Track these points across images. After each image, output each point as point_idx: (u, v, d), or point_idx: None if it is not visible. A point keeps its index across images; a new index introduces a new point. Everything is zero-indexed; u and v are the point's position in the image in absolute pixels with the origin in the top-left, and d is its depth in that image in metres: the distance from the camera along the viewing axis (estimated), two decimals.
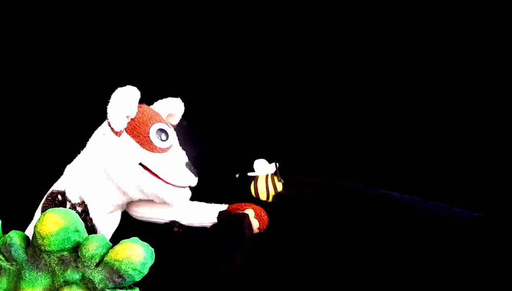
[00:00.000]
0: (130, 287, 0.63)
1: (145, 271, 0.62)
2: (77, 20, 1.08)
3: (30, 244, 0.63)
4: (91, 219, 0.77)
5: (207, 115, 1.05)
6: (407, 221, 0.78)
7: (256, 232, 0.81)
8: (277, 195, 0.83)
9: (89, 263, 0.61)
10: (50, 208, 0.73)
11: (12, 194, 0.94)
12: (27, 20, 1.07)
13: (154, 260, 0.62)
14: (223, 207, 0.84)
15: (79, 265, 0.62)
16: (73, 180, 0.79)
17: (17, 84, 1.07)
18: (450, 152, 1.00)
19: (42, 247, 0.61)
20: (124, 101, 0.74)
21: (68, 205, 0.77)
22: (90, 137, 0.80)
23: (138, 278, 0.61)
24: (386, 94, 1.05)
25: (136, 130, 0.77)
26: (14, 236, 0.63)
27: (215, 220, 0.82)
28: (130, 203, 0.83)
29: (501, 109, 0.99)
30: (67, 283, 0.61)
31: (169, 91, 0.87)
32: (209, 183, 0.85)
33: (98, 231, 0.78)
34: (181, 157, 0.80)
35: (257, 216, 0.81)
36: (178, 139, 0.83)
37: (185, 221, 0.84)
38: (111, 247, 0.62)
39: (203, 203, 0.85)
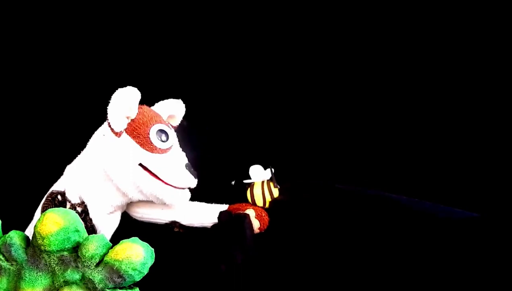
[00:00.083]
0: (130, 287, 0.63)
1: (145, 271, 0.62)
2: (77, 21, 1.08)
3: (30, 244, 0.63)
4: (91, 219, 0.77)
5: (205, 117, 1.05)
6: (406, 222, 0.78)
7: (256, 232, 0.81)
8: (274, 200, 0.83)
9: (89, 263, 0.61)
10: (50, 208, 0.73)
11: (12, 194, 0.94)
12: (27, 21, 1.07)
13: (154, 260, 0.62)
14: (224, 207, 0.84)
15: (79, 265, 0.62)
16: (73, 180, 0.78)
17: (17, 84, 1.07)
18: (449, 152, 1.00)
19: (42, 247, 0.61)
20: (124, 102, 0.74)
21: (68, 205, 0.77)
22: (90, 138, 0.80)
23: (138, 278, 0.61)
24: (383, 97, 1.05)
25: (136, 131, 0.77)
26: (14, 236, 0.63)
27: (216, 220, 0.82)
28: (130, 204, 0.83)
29: (500, 109, 0.99)
30: (67, 283, 0.61)
31: (169, 92, 0.87)
32: (209, 183, 0.85)
33: (98, 231, 0.78)
34: (181, 158, 0.80)
35: (257, 216, 0.81)
36: (178, 141, 0.83)
37: (185, 221, 0.84)
38: (111, 247, 0.62)
39: (203, 203, 0.85)
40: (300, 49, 1.08)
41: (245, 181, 0.85)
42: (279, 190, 0.83)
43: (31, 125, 1.05)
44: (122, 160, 0.75)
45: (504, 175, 0.95)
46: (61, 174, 0.81)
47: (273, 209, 0.83)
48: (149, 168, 0.76)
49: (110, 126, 0.75)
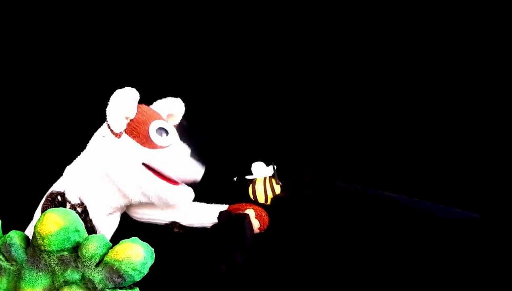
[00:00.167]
0: (130, 287, 0.63)
1: (145, 271, 0.62)
2: (77, 22, 1.08)
3: (30, 244, 0.63)
4: (90, 220, 0.77)
5: (206, 114, 1.05)
6: (406, 221, 0.78)
7: (256, 232, 0.81)
8: (276, 197, 0.83)
9: (89, 263, 0.61)
10: (50, 208, 0.73)
11: (12, 194, 0.94)
12: (27, 21, 1.07)
13: (154, 260, 0.62)
14: (224, 207, 0.84)
15: (79, 265, 0.62)
16: (73, 181, 0.78)
17: (17, 86, 1.07)
18: (449, 152, 1.00)
19: (42, 247, 0.61)
20: (123, 103, 0.74)
21: (68, 205, 0.77)
22: (90, 139, 0.80)
23: (138, 278, 0.61)
24: (384, 95, 1.05)
25: (136, 130, 0.76)
26: (14, 236, 0.63)
27: (216, 220, 0.82)
28: (130, 204, 0.83)
29: (500, 109, 0.99)
30: (67, 283, 0.61)
31: (169, 92, 0.87)
32: (211, 182, 0.85)
33: (97, 232, 0.78)
34: (183, 150, 0.79)
35: (257, 216, 0.81)
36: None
37: (185, 221, 0.83)
38: (111, 247, 0.62)
39: (203, 204, 0.85)
40: (301, 48, 1.08)
41: (247, 177, 0.85)
42: (281, 186, 0.83)
43: (31, 126, 1.05)
44: (123, 160, 0.75)
45: (504, 176, 0.95)
46: (61, 174, 0.80)
47: (274, 208, 0.83)
48: (153, 166, 0.76)
49: (109, 127, 0.75)
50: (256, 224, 0.81)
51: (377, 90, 1.05)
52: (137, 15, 1.08)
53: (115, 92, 0.74)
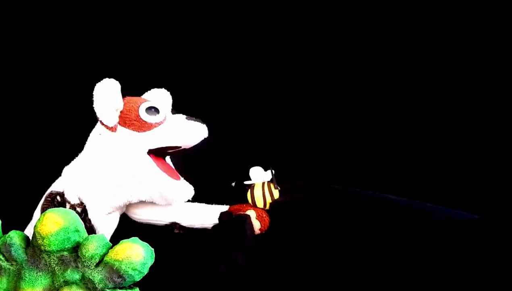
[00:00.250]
0: (130, 287, 0.63)
1: (145, 271, 0.61)
2: (76, 23, 1.08)
3: (30, 244, 0.63)
4: (90, 220, 0.77)
5: (205, 120, 1.06)
6: (405, 223, 0.78)
7: (257, 233, 0.81)
8: (274, 202, 0.83)
9: (89, 263, 0.61)
10: (50, 208, 0.73)
11: (12, 194, 0.94)
12: (26, 22, 1.07)
13: (154, 260, 0.62)
14: (224, 208, 0.84)
15: (79, 265, 0.62)
16: (72, 181, 0.78)
17: (16, 86, 1.07)
18: (448, 154, 1.00)
19: (42, 247, 0.61)
20: (106, 94, 0.74)
21: (68, 205, 0.77)
22: (88, 137, 0.80)
23: (138, 278, 0.61)
24: (382, 98, 1.05)
25: (128, 118, 0.77)
26: (14, 236, 0.63)
27: (216, 221, 0.82)
28: (129, 205, 0.83)
29: (500, 110, 0.99)
30: (67, 283, 0.61)
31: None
32: (210, 184, 0.85)
33: (97, 232, 0.78)
34: (179, 118, 0.80)
35: (258, 217, 0.81)
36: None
37: (185, 222, 0.83)
38: (111, 247, 0.62)
39: (204, 204, 0.85)
40: (300, 51, 1.08)
41: (245, 182, 0.85)
42: (279, 191, 0.83)
43: (29, 126, 1.05)
44: (125, 152, 0.75)
45: (504, 177, 0.95)
46: (59, 174, 0.80)
47: (274, 210, 0.83)
48: (158, 145, 0.76)
49: (102, 123, 0.75)
50: (257, 225, 0.81)
51: (376, 93, 1.06)
52: (138, 16, 1.09)
53: (95, 87, 0.74)
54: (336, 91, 1.07)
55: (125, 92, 0.78)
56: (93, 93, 0.74)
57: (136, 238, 0.63)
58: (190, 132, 0.79)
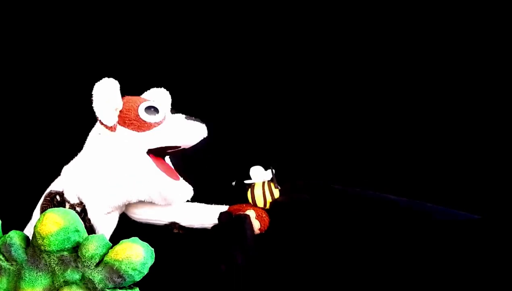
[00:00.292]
0: (130, 287, 0.63)
1: (145, 271, 0.61)
2: (76, 23, 1.08)
3: (30, 244, 0.63)
4: (89, 220, 0.77)
5: (205, 119, 1.06)
6: (405, 223, 0.78)
7: (257, 233, 0.81)
8: (275, 201, 0.83)
9: (89, 263, 0.61)
10: (49, 208, 0.73)
11: (12, 194, 0.94)
12: (26, 22, 1.07)
13: (154, 260, 0.62)
14: (224, 208, 0.84)
15: (79, 265, 0.62)
16: (71, 181, 0.78)
17: (16, 86, 1.07)
18: (448, 154, 1.00)
19: (42, 247, 0.61)
20: (105, 94, 0.74)
21: (67, 205, 0.77)
22: (87, 137, 0.80)
23: (138, 278, 0.61)
24: (383, 98, 1.05)
25: (127, 118, 0.76)
26: (14, 236, 0.63)
27: (216, 221, 0.82)
28: (128, 205, 0.83)
29: (500, 110, 0.99)
30: (67, 283, 0.61)
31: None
32: (210, 184, 0.85)
33: (96, 232, 0.78)
34: (178, 117, 0.80)
35: (258, 217, 0.81)
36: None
37: (185, 222, 0.83)
38: (111, 247, 0.62)
39: (203, 204, 0.85)
40: (300, 51, 1.08)
41: (245, 182, 0.85)
42: (280, 190, 0.83)
43: (29, 126, 1.05)
44: (124, 151, 0.75)
45: (504, 177, 0.95)
46: (58, 174, 0.80)
47: (274, 210, 0.83)
48: (158, 145, 0.76)
49: (102, 123, 0.75)
50: (256, 225, 0.81)
51: (376, 92, 1.06)
52: (137, 16, 1.09)
53: (95, 86, 0.74)
54: (336, 91, 1.07)
55: (124, 92, 0.78)
56: (93, 92, 0.74)
57: (136, 238, 0.63)
58: (190, 132, 0.79)
